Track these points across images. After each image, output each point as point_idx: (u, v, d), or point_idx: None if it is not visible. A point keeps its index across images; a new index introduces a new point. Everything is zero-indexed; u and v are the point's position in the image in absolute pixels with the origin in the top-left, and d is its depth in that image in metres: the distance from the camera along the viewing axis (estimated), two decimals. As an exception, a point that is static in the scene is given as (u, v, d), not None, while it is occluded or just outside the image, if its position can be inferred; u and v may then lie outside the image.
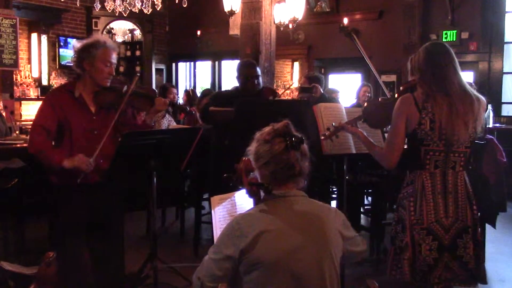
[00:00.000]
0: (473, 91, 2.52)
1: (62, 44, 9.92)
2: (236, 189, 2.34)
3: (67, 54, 10.00)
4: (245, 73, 4.19)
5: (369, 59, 3.59)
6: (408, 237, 2.47)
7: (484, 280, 2.61)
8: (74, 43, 9.94)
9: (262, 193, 1.94)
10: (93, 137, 2.92)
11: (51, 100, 2.98)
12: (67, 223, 3.01)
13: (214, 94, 5.25)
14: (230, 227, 1.84)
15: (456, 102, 2.42)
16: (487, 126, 5.57)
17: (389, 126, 2.66)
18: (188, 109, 6.41)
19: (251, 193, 2.06)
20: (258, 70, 4.25)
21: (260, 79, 4.22)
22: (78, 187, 2.89)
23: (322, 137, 3.02)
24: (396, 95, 2.70)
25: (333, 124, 2.97)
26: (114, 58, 2.98)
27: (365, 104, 2.98)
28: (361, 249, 2.03)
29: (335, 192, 5.54)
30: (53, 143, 2.98)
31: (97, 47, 2.91)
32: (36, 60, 9.53)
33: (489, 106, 7.27)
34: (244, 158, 2.08)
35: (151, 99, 3.15)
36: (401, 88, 2.71)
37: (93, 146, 2.85)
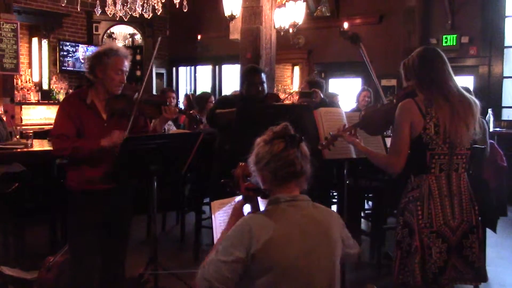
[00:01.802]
0: (469, 95, 2.57)
1: (62, 48, 9.93)
2: (233, 194, 2.34)
3: (68, 58, 10.04)
4: (249, 80, 4.07)
5: (371, 65, 3.59)
6: (417, 241, 2.49)
7: (485, 278, 2.64)
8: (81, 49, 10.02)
9: (259, 199, 1.94)
10: None
11: (66, 108, 3.00)
12: (81, 228, 3.02)
13: (219, 99, 5.21)
14: (240, 229, 1.82)
15: (456, 105, 2.47)
16: (489, 131, 5.55)
17: (389, 131, 2.67)
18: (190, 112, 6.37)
19: (247, 199, 2.06)
20: (263, 76, 4.09)
21: (265, 85, 4.08)
22: (91, 193, 2.92)
23: (320, 147, 3.02)
24: (394, 101, 2.71)
25: (330, 133, 2.99)
26: (126, 66, 3.00)
27: (363, 112, 2.99)
28: (355, 251, 2.06)
29: (336, 197, 5.54)
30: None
31: (109, 55, 2.93)
32: (36, 65, 9.56)
33: (489, 111, 7.27)
34: (241, 164, 2.08)
35: (161, 106, 3.16)
36: (399, 94, 2.73)
37: (105, 153, 2.86)
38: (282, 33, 7.37)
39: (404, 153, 2.54)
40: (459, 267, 2.53)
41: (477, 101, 2.57)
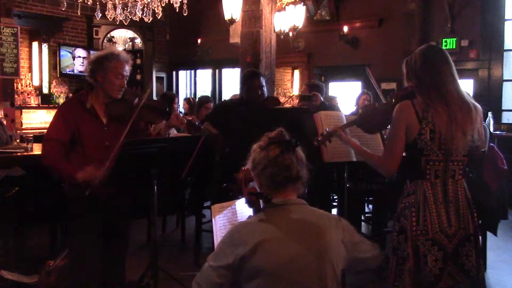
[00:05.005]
0: (470, 99, 2.49)
1: (62, 52, 9.95)
2: (236, 198, 2.33)
3: (68, 62, 10.05)
4: (249, 84, 4.04)
5: (380, 90, 3.51)
6: (410, 247, 2.43)
7: None
8: (77, 51, 10.04)
9: (261, 203, 1.94)
10: (105, 148, 2.92)
11: (63, 112, 3.01)
12: (81, 232, 3.03)
13: (217, 105, 5.19)
14: (229, 236, 1.85)
15: (455, 111, 2.39)
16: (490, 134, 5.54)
17: (388, 131, 2.63)
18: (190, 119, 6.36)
19: (250, 203, 2.05)
20: (262, 80, 4.07)
21: (265, 89, 4.05)
22: (91, 198, 2.90)
23: (315, 142, 2.94)
24: (393, 100, 2.67)
25: (327, 129, 2.92)
26: (126, 70, 3.00)
27: (360, 110, 2.96)
28: (372, 255, 2.03)
29: (336, 200, 5.54)
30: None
31: (109, 60, 2.94)
32: (37, 69, 9.56)
33: (489, 114, 7.27)
34: (243, 168, 2.08)
35: (162, 112, 3.16)
36: (397, 94, 2.67)
37: (104, 158, 2.85)
38: (282, 36, 7.39)
39: (398, 156, 2.47)
40: (456, 276, 2.45)
41: (478, 106, 2.48)
